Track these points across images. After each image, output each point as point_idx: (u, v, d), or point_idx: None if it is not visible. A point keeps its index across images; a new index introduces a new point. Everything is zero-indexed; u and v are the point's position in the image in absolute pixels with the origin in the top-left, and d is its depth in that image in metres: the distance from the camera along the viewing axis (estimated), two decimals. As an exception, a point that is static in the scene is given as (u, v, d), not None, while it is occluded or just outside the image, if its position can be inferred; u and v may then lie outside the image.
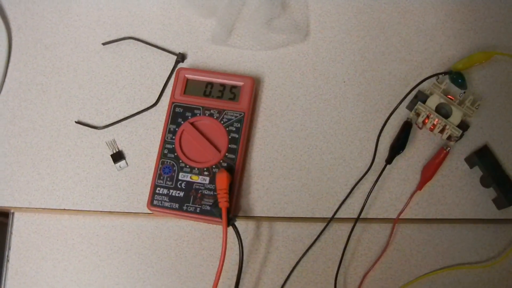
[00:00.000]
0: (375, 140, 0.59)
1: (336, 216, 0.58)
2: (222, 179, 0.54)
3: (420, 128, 0.60)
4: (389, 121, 0.59)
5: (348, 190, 0.58)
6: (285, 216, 0.58)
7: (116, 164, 0.61)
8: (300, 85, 0.63)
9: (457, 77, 0.57)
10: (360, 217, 0.57)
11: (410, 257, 0.58)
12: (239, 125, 0.58)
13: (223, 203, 0.54)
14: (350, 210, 0.58)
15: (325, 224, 0.58)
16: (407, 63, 0.63)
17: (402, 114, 0.61)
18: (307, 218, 0.58)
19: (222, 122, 0.58)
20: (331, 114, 0.62)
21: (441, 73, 0.59)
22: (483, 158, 0.57)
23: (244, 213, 0.58)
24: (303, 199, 0.59)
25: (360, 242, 0.58)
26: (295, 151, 0.60)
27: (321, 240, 0.58)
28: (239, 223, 0.57)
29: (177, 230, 0.59)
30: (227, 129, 0.58)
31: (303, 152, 0.60)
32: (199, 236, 0.59)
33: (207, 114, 0.59)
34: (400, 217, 0.57)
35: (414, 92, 0.60)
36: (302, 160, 0.60)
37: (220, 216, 0.54)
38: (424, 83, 0.59)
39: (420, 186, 0.57)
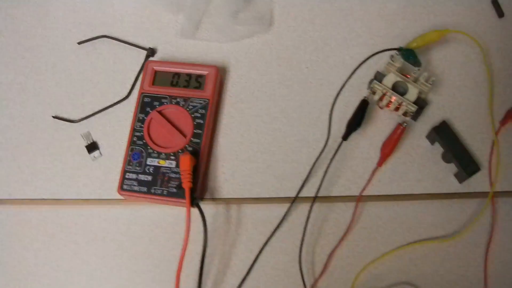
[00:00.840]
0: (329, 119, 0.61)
1: (300, 195, 0.59)
2: (185, 161, 0.56)
3: (381, 108, 0.61)
4: (350, 101, 0.61)
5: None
6: (251, 197, 0.60)
7: (90, 154, 0.63)
8: (264, 73, 0.65)
9: (408, 53, 0.59)
10: (323, 195, 0.59)
11: (376, 234, 0.59)
12: (204, 111, 0.61)
13: (186, 183, 0.56)
14: (314, 189, 0.59)
15: (290, 204, 0.59)
16: (368, 47, 0.65)
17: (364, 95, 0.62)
18: (273, 199, 0.60)
19: (187, 109, 0.61)
20: (294, 99, 0.63)
21: (391, 49, 0.60)
22: (441, 133, 0.58)
23: (211, 195, 0.60)
24: (268, 180, 0.60)
25: (326, 221, 0.59)
26: (260, 135, 0.62)
27: (288, 220, 0.60)
28: (208, 207, 0.59)
29: (151, 216, 0.61)
30: (192, 115, 0.61)
31: (268, 136, 0.62)
32: (172, 221, 0.61)
33: (173, 103, 0.61)
34: (363, 194, 0.59)
35: (372, 72, 0.61)
36: (267, 143, 0.62)
37: (185, 197, 0.56)
38: (381, 64, 0.61)
39: (380, 162, 0.59)
